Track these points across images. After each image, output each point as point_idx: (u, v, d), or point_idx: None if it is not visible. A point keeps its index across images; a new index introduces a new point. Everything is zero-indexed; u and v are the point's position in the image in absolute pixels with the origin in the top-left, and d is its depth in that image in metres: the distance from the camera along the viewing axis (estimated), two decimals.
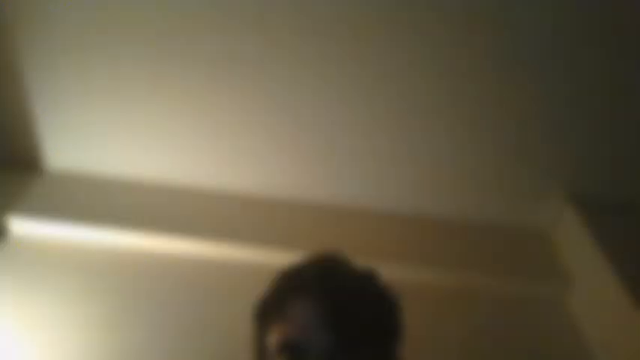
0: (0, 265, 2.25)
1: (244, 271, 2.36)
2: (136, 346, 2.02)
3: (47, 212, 2.38)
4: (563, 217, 2.66)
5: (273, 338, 1.06)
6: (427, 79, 2.28)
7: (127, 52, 2.22)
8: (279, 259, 2.39)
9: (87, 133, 2.50)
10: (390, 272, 2.49)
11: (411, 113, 2.39)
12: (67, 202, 2.46)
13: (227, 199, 2.63)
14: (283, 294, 1.14)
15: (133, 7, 2.11)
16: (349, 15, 2.11)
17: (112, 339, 2.03)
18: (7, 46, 2.21)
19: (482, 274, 2.50)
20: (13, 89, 2.33)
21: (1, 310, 2.07)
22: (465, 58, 2.21)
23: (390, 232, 2.63)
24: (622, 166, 2.54)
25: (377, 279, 1.23)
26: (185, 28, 2.15)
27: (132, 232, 2.38)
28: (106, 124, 2.46)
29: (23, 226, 2.37)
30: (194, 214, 2.52)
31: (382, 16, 2.11)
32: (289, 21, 2.13)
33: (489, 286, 2.49)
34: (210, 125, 2.45)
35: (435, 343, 2.21)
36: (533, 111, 2.37)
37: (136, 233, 2.38)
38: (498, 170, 2.58)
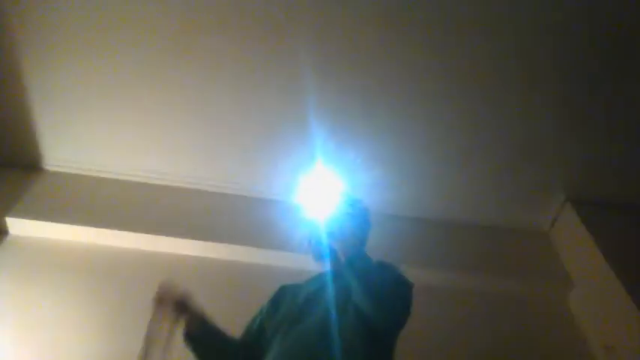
0: None
1: (245, 271, 2.36)
2: (135, 346, 2.01)
3: (46, 212, 2.38)
4: (563, 217, 2.66)
5: None
6: (427, 80, 2.27)
7: (126, 52, 2.22)
8: (280, 259, 2.41)
9: (86, 134, 2.49)
10: None
11: (412, 114, 2.39)
12: (66, 202, 2.45)
13: (228, 199, 2.63)
14: None
15: (132, 8, 2.10)
16: (349, 16, 2.11)
17: (111, 338, 2.03)
18: (7, 46, 2.21)
19: (482, 274, 2.50)
20: (13, 89, 2.33)
21: (1, 309, 2.07)
22: (468, 59, 2.21)
23: (390, 232, 2.62)
24: (622, 167, 2.54)
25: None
26: (184, 29, 2.15)
27: (132, 232, 2.38)
28: (105, 125, 2.46)
29: (22, 226, 2.36)
30: (194, 214, 2.52)
31: (381, 20, 2.11)
32: (290, 22, 2.13)
33: (490, 286, 2.49)
34: (210, 125, 2.45)
35: (436, 343, 2.22)
36: (534, 113, 2.38)
37: (136, 233, 2.38)
38: (499, 171, 2.58)
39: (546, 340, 2.31)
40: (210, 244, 2.40)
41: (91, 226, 2.36)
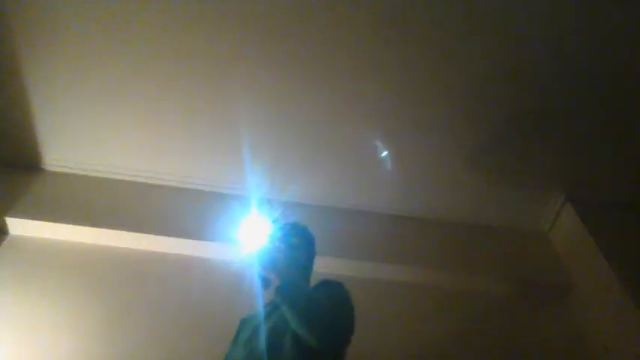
0: None
1: (245, 271, 2.36)
2: (134, 346, 2.02)
3: (46, 212, 2.38)
4: (563, 217, 2.66)
5: None
6: (425, 79, 2.28)
7: (126, 53, 2.22)
8: None
9: (86, 134, 2.49)
10: (391, 273, 2.51)
11: (412, 113, 2.39)
12: (66, 202, 2.45)
13: (229, 200, 2.62)
14: None
15: (132, 8, 2.10)
16: (349, 18, 2.11)
17: (111, 338, 2.03)
18: (7, 46, 2.21)
19: (482, 274, 2.50)
20: (13, 90, 2.33)
21: (1, 309, 2.07)
22: (464, 58, 2.21)
23: (391, 232, 2.63)
24: (622, 167, 2.54)
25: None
26: (184, 30, 2.15)
27: (132, 232, 2.37)
28: (105, 125, 2.45)
29: (22, 226, 2.36)
30: (195, 214, 2.52)
31: (376, 18, 2.11)
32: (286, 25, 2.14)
33: (489, 286, 2.49)
34: (211, 125, 2.44)
35: (435, 343, 2.22)
36: (534, 112, 2.38)
37: (136, 233, 2.38)
38: (499, 171, 2.58)
39: (546, 340, 2.31)
40: (211, 245, 2.40)
41: (91, 226, 2.36)
